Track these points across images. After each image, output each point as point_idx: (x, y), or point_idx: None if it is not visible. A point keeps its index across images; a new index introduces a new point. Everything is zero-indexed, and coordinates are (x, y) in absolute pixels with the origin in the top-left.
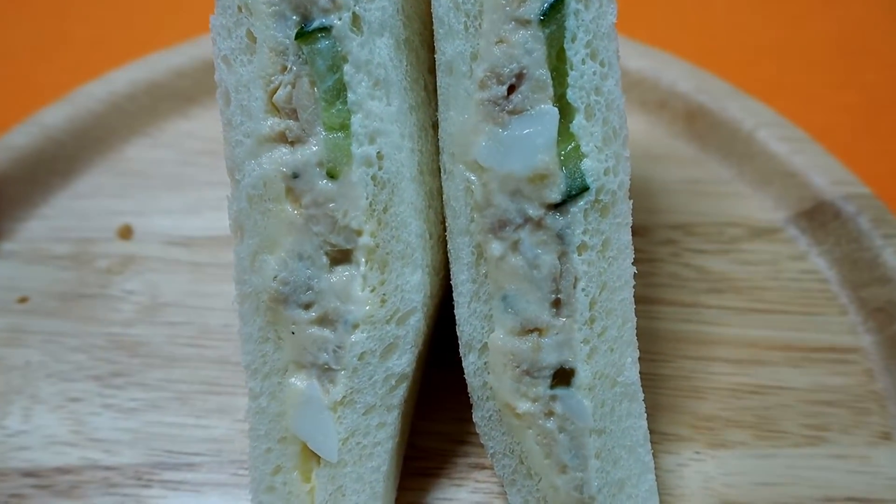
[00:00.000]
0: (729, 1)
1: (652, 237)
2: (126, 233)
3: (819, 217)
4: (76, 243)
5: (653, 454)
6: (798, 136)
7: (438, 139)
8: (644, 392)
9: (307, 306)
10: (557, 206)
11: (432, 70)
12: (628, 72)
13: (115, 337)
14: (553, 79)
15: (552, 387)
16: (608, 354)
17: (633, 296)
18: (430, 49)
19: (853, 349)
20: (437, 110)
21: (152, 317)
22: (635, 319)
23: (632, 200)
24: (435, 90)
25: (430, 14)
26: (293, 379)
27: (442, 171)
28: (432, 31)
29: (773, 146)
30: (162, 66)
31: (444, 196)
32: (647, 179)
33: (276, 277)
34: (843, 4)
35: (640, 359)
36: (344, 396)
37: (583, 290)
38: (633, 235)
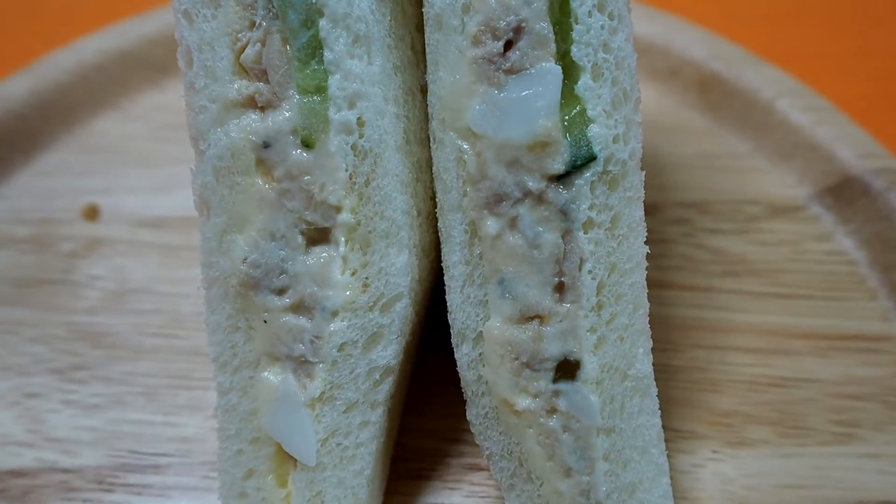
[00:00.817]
0: None
1: (663, 216)
2: (92, 213)
3: (846, 193)
4: (38, 225)
5: (666, 455)
6: (821, 106)
7: (427, 104)
8: (656, 384)
9: (281, 292)
10: (560, 178)
11: (420, 27)
12: (636, 38)
13: (78, 326)
14: (556, 33)
15: (555, 381)
16: (618, 344)
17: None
18: (419, 4)
19: (884, 337)
20: (425, 72)
21: (119, 304)
22: (648, 305)
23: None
24: (423, 50)
25: None
26: (266, 373)
27: (431, 139)
28: None
29: (794, 117)
30: (133, 33)
31: (434, 168)
32: (657, 154)
33: (245, 259)
34: None
35: (651, 349)
36: (322, 392)
37: (589, 272)
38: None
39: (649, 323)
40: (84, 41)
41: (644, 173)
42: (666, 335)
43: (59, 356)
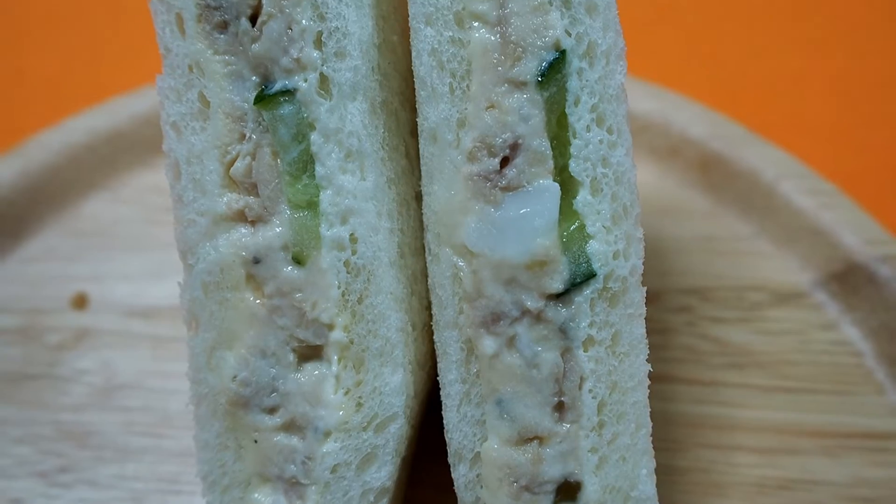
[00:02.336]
0: (742, 29)
1: (664, 304)
2: (80, 302)
3: (851, 281)
4: (25, 314)
5: None
6: (825, 189)
7: (422, 214)
8: (658, 488)
9: (272, 410)
10: (559, 296)
11: (414, 133)
12: (636, 116)
13: (64, 425)
14: (553, 149)
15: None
16: (620, 465)
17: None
18: (413, 109)
19: (893, 435)
20: (420, 179)
21: (106, 401)
22: (650, 425)
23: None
24: (417, 156)
25: (412, 71)
26: (257, 494)
27: (427, 251)
28: (415, 88)
29: (797, 200)
30: (124, 113)
31: (430, 281)
32: (657, 237)
33: (235, 377)
34: (865, 30)
35: (654, 450)
36: None
37: (590, 391)
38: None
39: (652, 419)
40: (74, 121)
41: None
42: (669, 433)
43: (45, 458)
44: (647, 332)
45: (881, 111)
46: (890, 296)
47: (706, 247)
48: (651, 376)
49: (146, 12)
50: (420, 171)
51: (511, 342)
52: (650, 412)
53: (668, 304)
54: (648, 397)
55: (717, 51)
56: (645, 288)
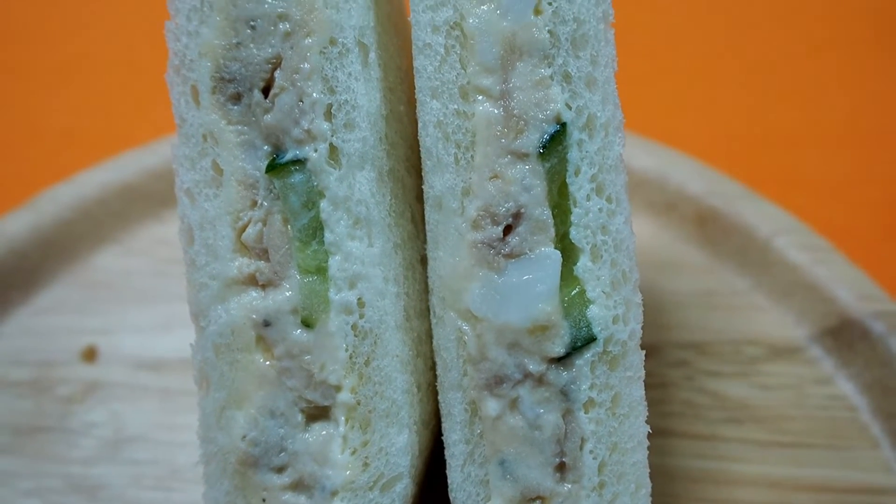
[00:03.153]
0: (738, 86)
1: (663, 358)
2: (90, 355)
3: (846, 336)
4: (36, 367)
5: None
6: (819, 245)
7: (427, 277)
8: None
9: (280, 470)
10: (561, 360)
11: (420, 198)
12: (633, 171)
13: (73, 479)
14: (555, 217)
15: None
16: None
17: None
18: (418, 174)
19: (888, 490)
20: (425, 242)
21: (115, 454)
22: (650, 485)
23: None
24: (423, 220)
25: (418, 138)
26: None
27: (431, 313)
28: (421, 156)
29: (792, 255)
30: (135, 166)
31: (434, 342)
32: (656, 291)
33: (245, 437)
34: (857, 88)
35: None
36: None
37: (590, 452)
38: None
39: (651, 473)
40: (85, 175)
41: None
42: (669, 488)
43: None
44: (646, 387)
45: (873, 167)
46: (883, 352)
47: (703, 301)
48: (652, 430)
49: (156, 69)
50: (425, 234)
51: (514, 404)
52: (651, 467)
53: (667, 358)
54: (648, 454)
55: (714, 106)
56: (644, 352)
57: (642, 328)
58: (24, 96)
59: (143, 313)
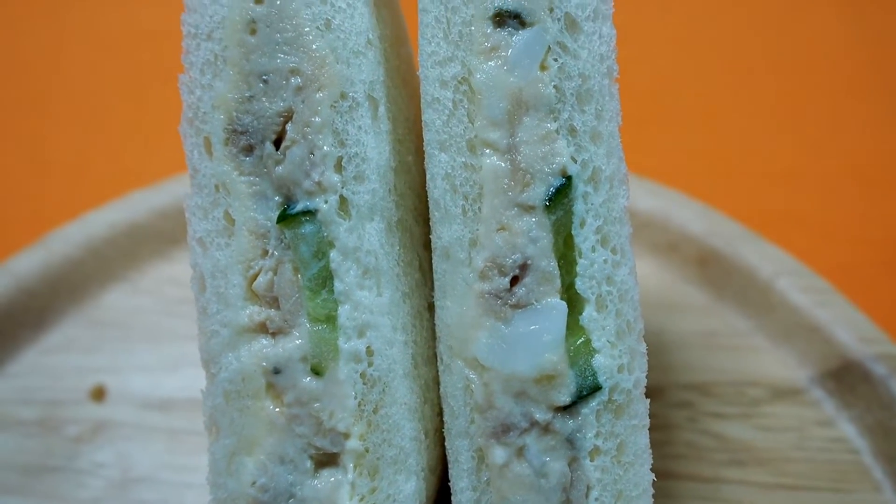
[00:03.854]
0: (739, 127)
1: (666, 399)
2: (98, 394)
3: (847, 378)
4: (45, 406)
5: None
6: (820, 287)
7: (435, 324)
8: None
9: None
10: (567, 408)
11: (427, 246)
12: (637, 212)
13: None
14: (560, 268)
15: None
16: None
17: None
18: (426, 222)
19: None
20: (432, 289)
21: (122, 494)
22: None
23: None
24: (431, 267)
25: (426, 188)
26: None
27: (439, 360)
28: (429, 206)
29: (793, 297)
30: (143, 206)
31: (442, 390)
32: (659, 332)
33: (254, 483)
34: (856, 129)
35: None
36: None
37: (596, 499)
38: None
39: None
40: (94, 214)
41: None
42: None
43: None
44: (650, 428)
45: (873, 207)
46: (885, 394)
47: (706, 342)
48: (656, 472)
49: (163, 107)
50: (432, 282)
51: (520, 452)
52: None
53: (670, 399)
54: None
55: (715, 147)
56: (648, 400)
57: (647, 369)
58: (34, 133)
59: (150, 353)
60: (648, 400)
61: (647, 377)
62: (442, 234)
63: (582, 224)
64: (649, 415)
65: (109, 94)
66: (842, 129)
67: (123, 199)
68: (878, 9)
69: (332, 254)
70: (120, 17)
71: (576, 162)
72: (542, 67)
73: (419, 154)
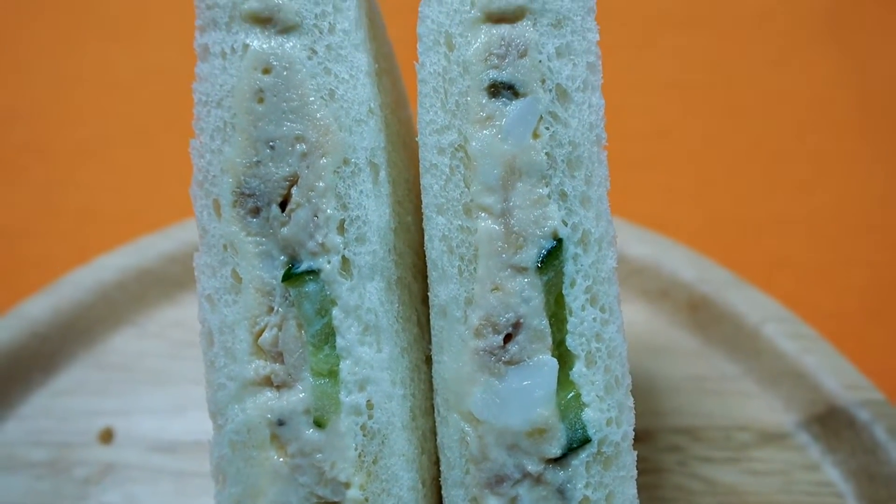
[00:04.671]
0: (728, 173)
1: (657, 443)
2: (107, 437)
3: (832, 424)
4: (54, 448)
5: None
6: (807, 334)
7: (432, 377)
8: None
9: None
10: (557, 460)
11: (425, 301)
12: (628, 259)
13: None
14: (552, 326)
15: None
16: None
17: None
18: (424, 278)
19: None
20: (430, 342)
21: None
22: None
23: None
24: (428, 322)
25: (424, 247)
26: None
27: (436, 412)
28: (426, 265)
29: (780, 343)
30: (152, 251)
31: (438, 441)
32: (650, 377)
33: None
34: (843, 174)
35: None
36: None
37: None
38: (636, 442)
39: None
40: (104, 259)
41: (636, 404)
42: None
43: None
44: (640, 472)
45: (859, 252)
46: (868, 439)
47: (696, 386)
48: None
49: (169, 151)
50: (429, 335)
51: (513, 502)
52: None
53: (661, 443)
54: None
55: (704, 193)
56: (636, 453)
57: (637, 413)
58: (45, 176)
59: (157, 396)
60: (636, 452)
61: (637, 421)
62: (439, 293)
63: (572, 284)
64: (640, 458)
65: (118, 140)
66: (828, 174)
67: (132, 244)
68: (864, 55)
69: (335, 311)
70: (130, 62)
71: (566, 225)
72: (535, 135)
73: (418, 213)
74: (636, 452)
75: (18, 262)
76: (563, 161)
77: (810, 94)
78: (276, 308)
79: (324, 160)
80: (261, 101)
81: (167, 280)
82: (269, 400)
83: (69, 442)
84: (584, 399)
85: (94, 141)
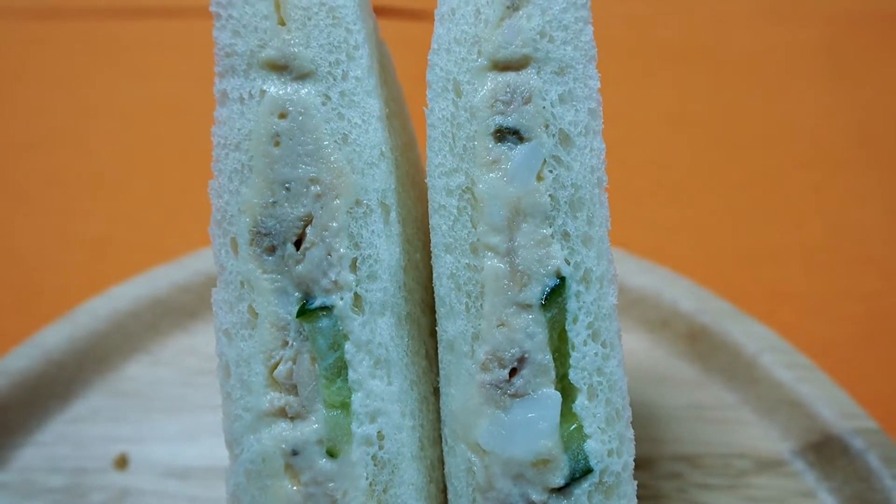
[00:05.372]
0: (727, 207)
1: (657, 470)
2: (122, 463)
3: (827, 451)
4: (71, 474)
5: None
6: (802, 363)
7: (440, 409)
8: None
9: None
10: (561, 489)
11: (433, 334)
12: (630, 289)
13: None
14: (555, 360)
15: None
16: None
17: None
18: (432, 312)
19: None
20: (437, 375)
21: None
22: None
23: (634, 432)
24: (436, 355)
25: (432, 283)
26: None
27: (444, 442)
28: (434, 301)
29: (777, 373)
30: (164, 281)
31: (446, 470)
32: (650, 405)
33: None
34: (838, 208)
35: None
36: None
37: None
38: (637, 469)
39: None
40: (119, 288)
41: (635, 432)
42: None
43: None
44: (640, 499)
45: (855, 283)
46: (862, 467)
47: (695, 415)
48: None
49: (182, 183)
50: (437, 367)
51: None
52: None
53: (661, 470)
54: None
55: (705, 225)
56: (636, 483)
57: (637, 441)
58: (60, 206)
59: (170, 422)
60: (636, 482)
61: (638, 448)
62: (447, 329)
63: (575, 320)
64: (640, 485)
65: (131, 172)
66: (825, 207)
67: (146, 275)
68: (860, 90)
69: (347, 346)
70: (143, 96)
71: (569, 264)
72: (539, 178)
73: (426, 250)
74: (636, 482)
75: (34, 291)
76: (565, 203)
77: (808, 127)
78: (290, 342)
79: (337, 201)
80: (277, 144)
81: (180, 309)
82: (283, 430)
83: (85, 468)
84: (587, 431)
85: (109, 173)
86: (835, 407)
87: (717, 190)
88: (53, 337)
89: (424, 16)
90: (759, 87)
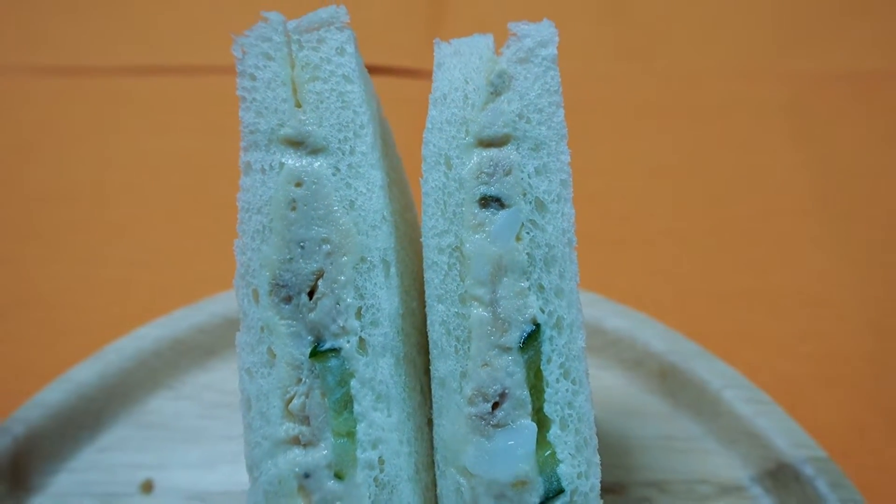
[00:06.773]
0: (697, 253)
1: (628, 495)
2: (148, 488)
3: (781, 478)
4: (101, 499)
5: None
6: (761, 399)
7: (433, 437)
8: None
9: None
10: None
11: (427, 372)
12: (607, 331)
13: None
14: (532, 395)
15: None
16: None
17: None
18: (426, 353)
19: None
20: (431, 408)
21: None
22: None
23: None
24: (430, 391)
25: (426, 328)
26: None
27: (436, 467)
28: (428, 343)
29: (738, 407)
30: (184, 323)
31: (438, 491)
32: (624, 436)
33: None
34: (802, 252)
35: None
36: None
37: None
38: (610, 493)
39: None
40: (143, 329)
41: (608, 460)
42: None
43: None
44: None
45: (815, 325)
46: (812, 492)
47: (664, 444)
48: None
49: (199, 228)
50: (431, 402)
51: None
52: None
53: (632, 495)
54: None
55: (676, 270)
56: (602, 502)
57: (611, 468)
58: (83, 252)
59: (191, 452)
60: (602, 501)
61: (611, 475)
62: (439, 368)
63: (549, 361)
64: None
65: (150, 220)
66: (789, 254)
67: (167, 317)
68: (820, 145)
69: (353, 382)
70: (159, 147)
71: (543, 312)
72: (518, 239)
73: (421, 300)
74: (602, 502)
75: (60, 331)
76: (541, 260)
77: (773, 179)
78: (303, 379)
79: (345, 258)
80: (293, 209)
81: (199, 348)
82: (297, 456)
83: (115, 493)
84: (559, 456)
85: (128, 220)
86: (788, 438)
87: (689, 238)
88: (84, 373)
89: (420, 74)
90: (729, 141)
